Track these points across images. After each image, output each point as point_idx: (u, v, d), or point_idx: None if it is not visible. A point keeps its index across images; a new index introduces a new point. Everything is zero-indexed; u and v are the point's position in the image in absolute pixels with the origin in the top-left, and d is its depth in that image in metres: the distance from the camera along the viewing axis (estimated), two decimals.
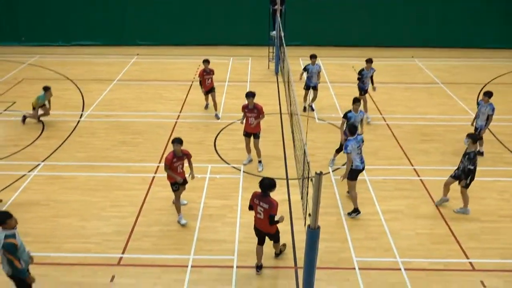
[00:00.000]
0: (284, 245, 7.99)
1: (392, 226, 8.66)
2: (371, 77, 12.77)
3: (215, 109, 13.22)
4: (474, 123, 11.10)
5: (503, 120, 13.16)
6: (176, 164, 8.26)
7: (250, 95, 10.08)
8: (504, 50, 19.58)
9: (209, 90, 13.07)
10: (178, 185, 8.42)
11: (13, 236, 6.04)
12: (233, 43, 20.05)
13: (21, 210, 9.03)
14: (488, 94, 10.59)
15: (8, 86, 15.34)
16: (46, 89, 12.49)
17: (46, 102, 12.61)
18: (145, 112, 13.51)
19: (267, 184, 6.96)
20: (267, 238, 7.41)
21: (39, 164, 10.65)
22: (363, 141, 8.85)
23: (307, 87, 13.38)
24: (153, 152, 11.21)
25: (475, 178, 8.79)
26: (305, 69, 13.10)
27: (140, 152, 11.22)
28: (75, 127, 12.54)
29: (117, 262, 7.74)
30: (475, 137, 8.73)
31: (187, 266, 7.66)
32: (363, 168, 8.85)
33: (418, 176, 10.31)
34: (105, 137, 11.95)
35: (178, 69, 17.26)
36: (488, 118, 10.70)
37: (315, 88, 13.28)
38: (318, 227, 6.23)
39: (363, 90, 12.80)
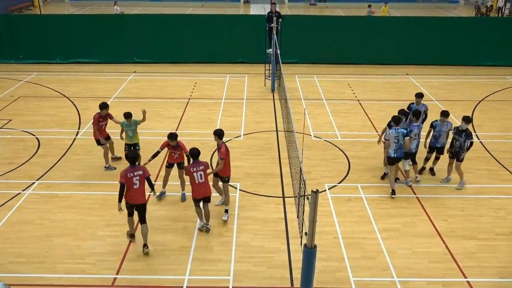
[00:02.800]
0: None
1: (389, 245, 8.61)
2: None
3: (183, 188, 10.06)
4: (429, 143, 10.78)
5: (498, 137, 13.24)
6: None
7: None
8: (498, 67, 19.82)
9: (170, 164, 9.97)
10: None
11: None
12: (229, 61, 20.21)
13: (15, 229, 8.96)
14: (445, 114, 10.40)
15: (4, 104, 15.35)
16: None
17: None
18: (142, 130, 13.46)
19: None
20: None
21: (34, 183, 10.59)
22: (403, 135, 9.92)
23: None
24: (149, 170, 11.14)
25: (471, 196, 8.83)
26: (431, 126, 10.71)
27: None
28: (71, 144, 12.52)
29: (111, 283, 7.64)
30: (468, 118, 10.24)
31: (182, 287, 7.56)
32: (394, 157, 9.96)
33: (415, 193, 10.30)
34: (101, 155, 11.88)
35: (175, 87, 17.34)
36: (449, 136, 10.55)
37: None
38: (315, 246, 6.19)
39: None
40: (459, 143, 10.17)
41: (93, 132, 11.16)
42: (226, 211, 9.37)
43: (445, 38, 19.85)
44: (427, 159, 11.10)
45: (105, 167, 11.31)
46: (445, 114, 10.43)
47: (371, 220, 9.36)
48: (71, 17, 22.17)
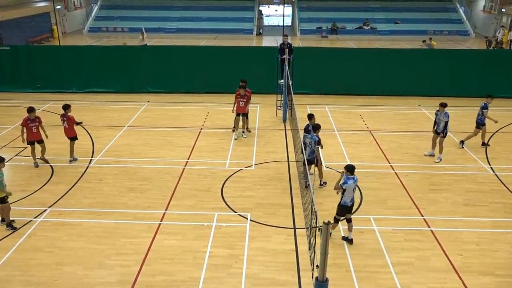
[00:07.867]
0: None
1: (403, 280, 8.39)
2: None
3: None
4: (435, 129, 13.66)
5: None
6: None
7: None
8: (511, 99, 19.71)
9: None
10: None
11: None
12: None
13: (25, 256, 8.96)
14: (443, 105, 13.15)
15: (20, 132, 15.59)
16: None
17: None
18: (154, 158, 13.60)
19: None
20: None
21: (45, 210, 10.65)
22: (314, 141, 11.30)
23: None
24: (160, 199, 11.18)
25: (487, 230, 8.61)
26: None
27: (147, 199, 11.19)
28: (84, 172, 12.62)
29: None
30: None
31: None
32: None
33: (429, 226, 10.10)
34: (113, 183, 11.98)
35: (188, 116, 17.54)
36: (446, 125, 13.25)
37: None
38: (327, 280, 6.07)
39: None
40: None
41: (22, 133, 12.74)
42: (244, 131, 14.08)
43: (457, 69, 19.90)
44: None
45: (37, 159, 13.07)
46: (443, 105, 13.14)
47: (384, 253, 9.16)
48: (87, 48, 22.82)
